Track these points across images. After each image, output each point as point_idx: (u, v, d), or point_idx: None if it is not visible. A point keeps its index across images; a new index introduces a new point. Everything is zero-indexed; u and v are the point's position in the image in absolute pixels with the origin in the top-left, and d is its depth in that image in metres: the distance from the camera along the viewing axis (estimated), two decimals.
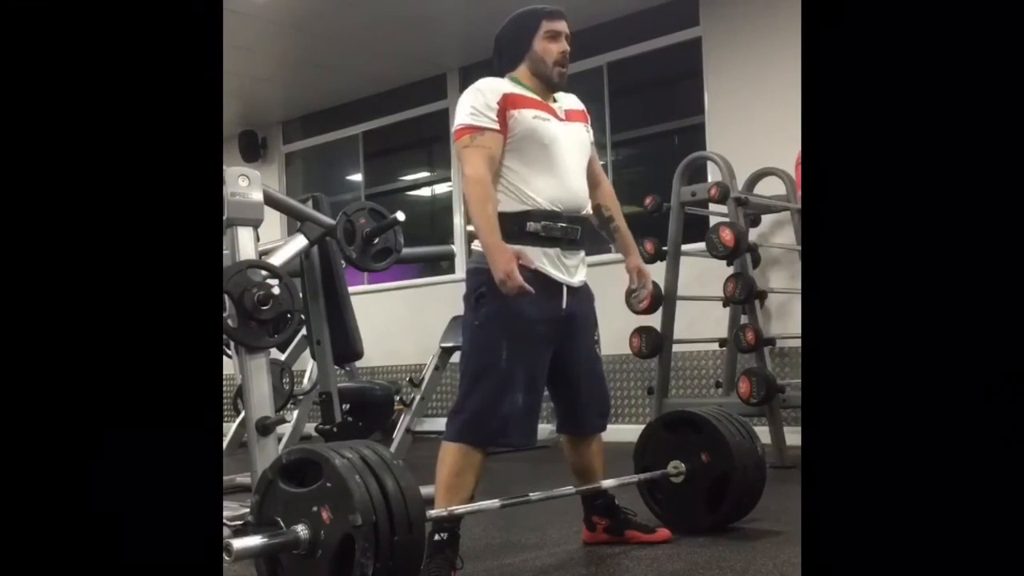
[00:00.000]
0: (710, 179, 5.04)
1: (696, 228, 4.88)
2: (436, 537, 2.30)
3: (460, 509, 2.34)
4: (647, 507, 2.89)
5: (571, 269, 2.45)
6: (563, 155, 2.41)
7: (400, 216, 3.47)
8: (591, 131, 2.60)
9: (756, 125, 5.20)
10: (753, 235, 4.92)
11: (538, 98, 2.42)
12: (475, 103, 2.34)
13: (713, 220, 4.63)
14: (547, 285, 2.38)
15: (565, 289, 2.43)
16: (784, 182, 4.95)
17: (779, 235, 5.21)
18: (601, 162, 2.65)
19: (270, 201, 3.28)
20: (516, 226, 2.34)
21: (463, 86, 6.78)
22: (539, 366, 2.42)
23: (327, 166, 8.12)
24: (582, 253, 2.50)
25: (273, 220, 5.78)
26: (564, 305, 2.43)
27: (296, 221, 3.54)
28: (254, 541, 1.99)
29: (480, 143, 2.31)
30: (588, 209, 2.52)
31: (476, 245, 2.39)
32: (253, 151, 7.90)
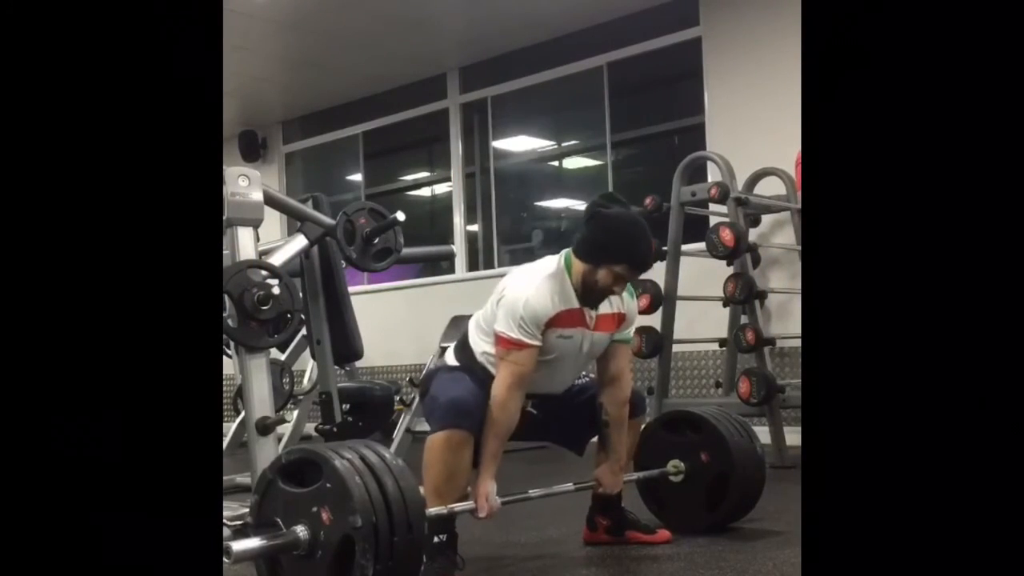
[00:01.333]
0: (710, 179, 5.04)
1: (696, 228, 4.88)
2: (435, 539, 2.30)
3: (459, 508, 2.34)
4: (647, 507, 2.89)
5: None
6: (560, 364, 2.49)
7: (400, 216, 3.47)
8: (630, 327, 2.61)
9: (756, 125, 5.20)
10: (753, 235, 4.92)
11: (576, 306, 2.44)
12: (526, 318, 2.36)
13: (713, 220, 4.63)
14: None
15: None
16: (784, 182, 4.95)
17: (779, 235, 5.21)
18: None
19: (270, 201, 3.28)
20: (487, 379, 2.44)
21: (463, 86, 6.85)
22: None
23: (327, 166, 8.12)
24: None
25: (273, 220, 5.78)
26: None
27: (296, 221, 3.54)
28: (254, 542, 1.98)
29: (520, 360, 2.38)
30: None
31: (481, 352, 2.50)
32: (253, 151, 7.90)
